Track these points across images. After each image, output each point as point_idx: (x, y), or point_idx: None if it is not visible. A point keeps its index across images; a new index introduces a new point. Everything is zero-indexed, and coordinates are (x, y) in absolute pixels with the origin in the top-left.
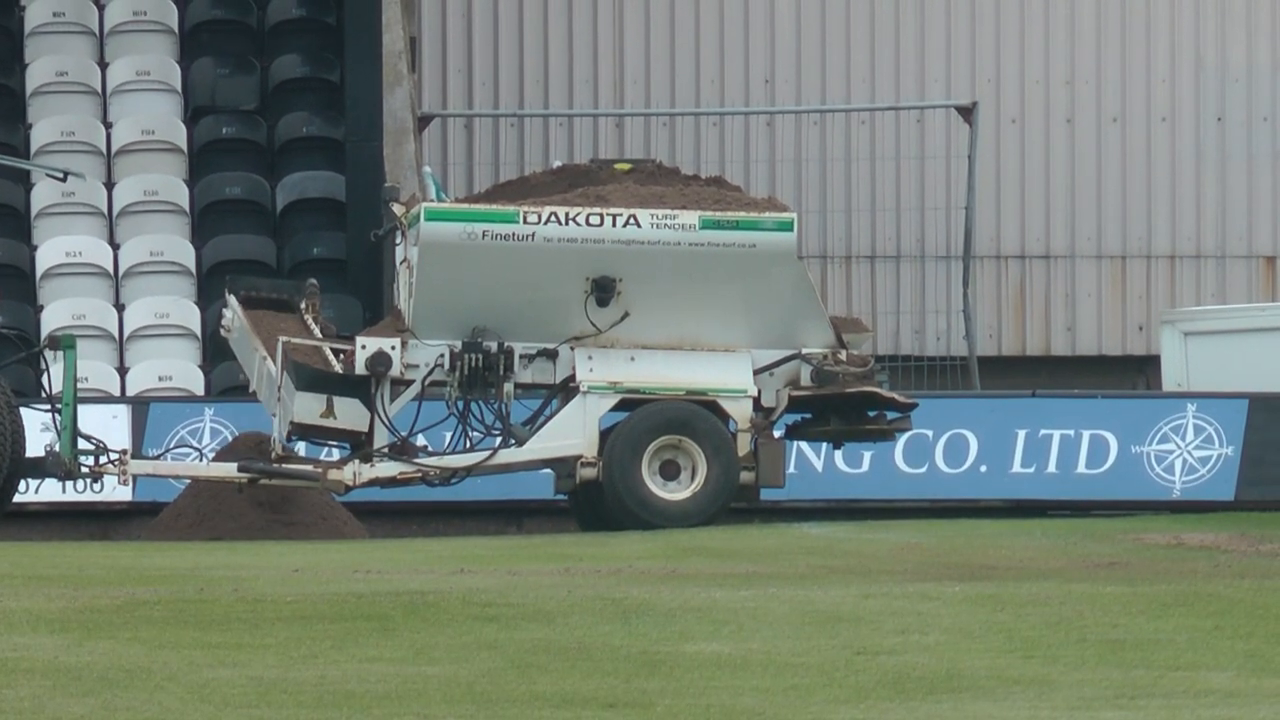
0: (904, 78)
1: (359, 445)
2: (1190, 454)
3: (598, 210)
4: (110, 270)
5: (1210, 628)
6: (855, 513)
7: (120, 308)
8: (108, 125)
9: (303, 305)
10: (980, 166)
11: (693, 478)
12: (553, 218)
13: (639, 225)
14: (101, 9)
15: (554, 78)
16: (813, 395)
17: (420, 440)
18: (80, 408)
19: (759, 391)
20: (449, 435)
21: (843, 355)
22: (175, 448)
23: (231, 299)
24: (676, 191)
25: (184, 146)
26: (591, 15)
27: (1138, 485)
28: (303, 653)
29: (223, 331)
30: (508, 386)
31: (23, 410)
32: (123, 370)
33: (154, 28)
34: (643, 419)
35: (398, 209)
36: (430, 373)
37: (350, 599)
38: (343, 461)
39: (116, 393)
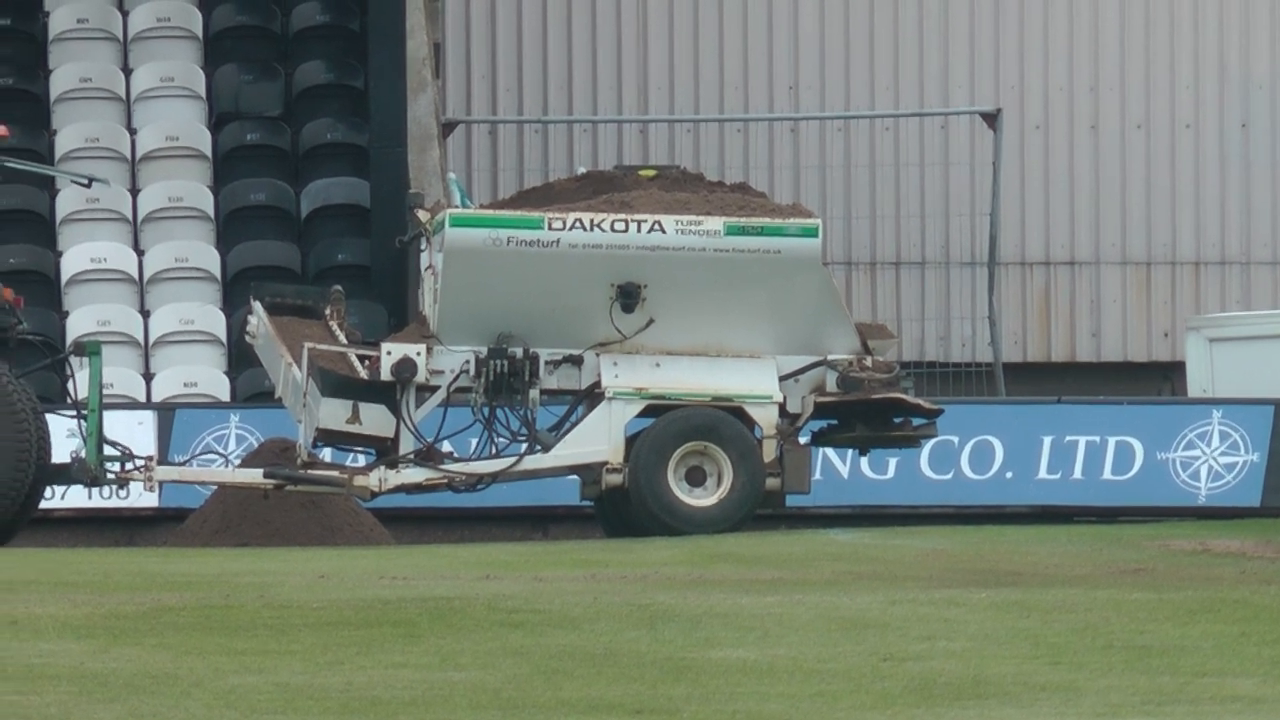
0: (928, 84)
1: (385, 451)
2: (1216, 460)
3: (622, 216)
4: (135, 276)
5: (1236, 634)
6: (881, 519)
7: (145, 314)
8: (132, 131)
9: (328, 311)
10: (1005, 173)
11: (718, 484)
12: (577, 224)
13: (664, 231)
14: (126, 15)
15: (578, 83)
16: (838, 401)
17: (446, 446)
18: (106, 414)
19: (784, 398)
20: (475, 441)
21: (868, 361)
22: (201, 454)
23: (256, 305)
24: (701, 198)
25: (208, 153)
26: (615, 21)
27: (1163, 491)
28: (329, 659)
29: (248, 338)
30: (533, 392)
31: (48, 417)
32: (148, 376)
33: (178, 34)
34: (668, 425)
35: (422, 215)
36: (456, 379)
37: (376, 605)
38: (368, 467)
39: (142, 399)
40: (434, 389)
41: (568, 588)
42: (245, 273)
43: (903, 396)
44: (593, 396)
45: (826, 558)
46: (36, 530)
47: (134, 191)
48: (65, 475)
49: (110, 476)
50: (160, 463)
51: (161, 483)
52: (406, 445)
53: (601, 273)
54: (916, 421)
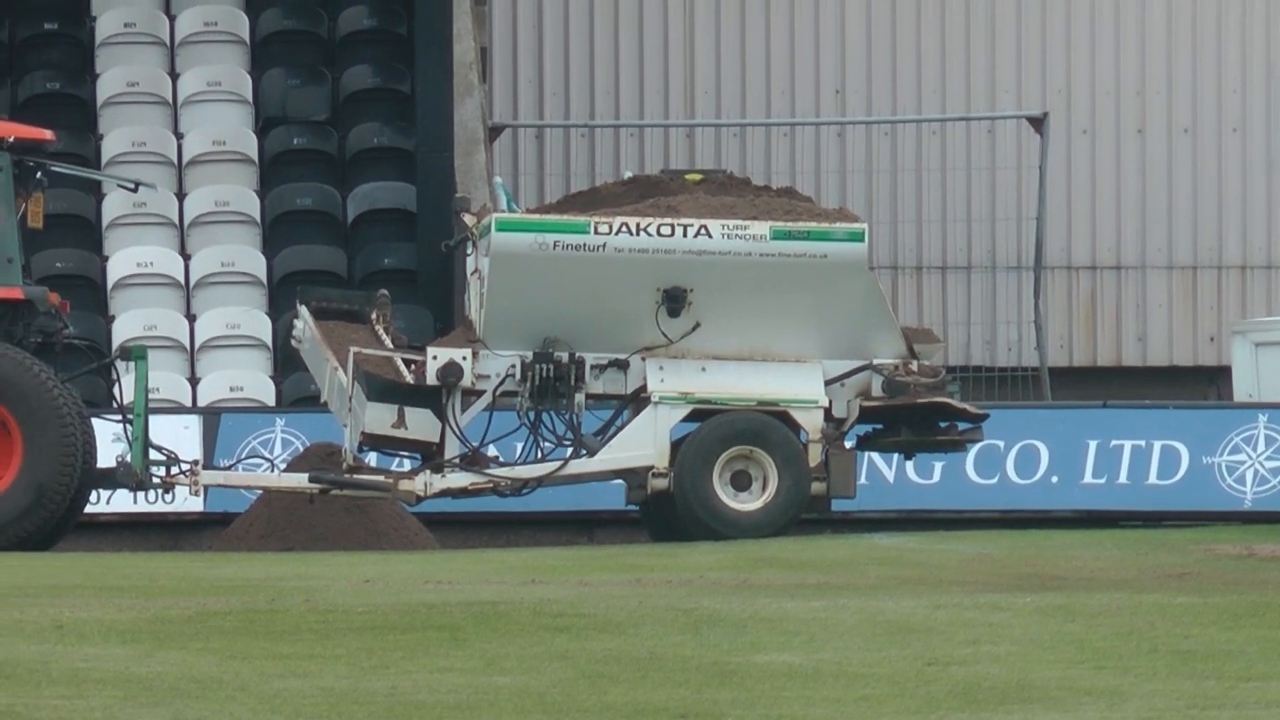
0: (975, 88)
1: (430, 456)
2: (1261, 464)
3: (669, 221)
4: (181, 281)
5: None
6: (926, 523)
7: (191, 318)
8: (179, 136)
9: (374, 316)
10: (1051, 177)
11: (764, 488)
12: (624, 228)
13: (710, 236)
14: (173, 20)
15: (625, 88)
16: (884, 406)
17: (491, 451)
18: (151, 418)
19: (830, 402)
20: (520, 446)
21: (914, 366)
22: (246, 458)
23: (303, 309)
24: (747, 202)
25: (255, 157)
26: (662, 25)
27: (1209, 496)
28: (374, 663)
29: (294, 342)
30: (579, 397)
31: (94, 421)
32: (194, 381)
33: (225, 38)
34: (714, 429)
35: (469, 219)
36: (501, 383)
37: (421, 609)
38: (414, 472)
39: (188, 403)
40: (480, 393)
41: (613, 592)
42: (291, 277)
43: (948, 401)
44: (638, 401)
45: (871, 562)
46: (82, 534)
47: (180, 196)
48: (111, 479)
49: (155, 481)
50: (205, 467)
51: (207, 487)
52: (452, 450)
53: (647, 277)
54: (962, 426)
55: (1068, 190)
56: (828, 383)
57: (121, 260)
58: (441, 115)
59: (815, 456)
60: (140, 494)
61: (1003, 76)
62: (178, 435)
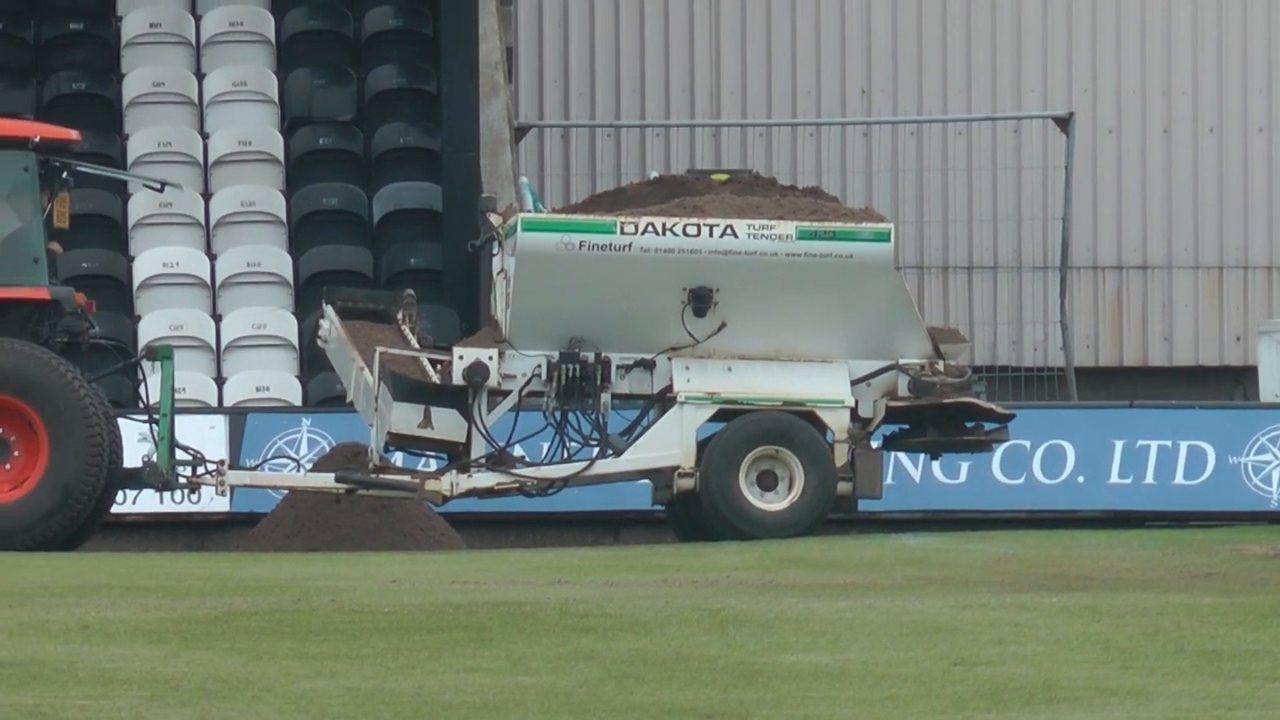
0: (1000, 88)
1: (456, 456)
2: None
3: (695, 221)
4: (207, 281)
5: None
6: (952, 523)
7: (217, 318)
8: (204, 136)
9: (400, 316)
10: (1077, 177)
11: (790, 488)
12: (650, 228)
13: (736, 236)
14: (198, 20)
15: (650, 88)
16: (910, 406)
17: (518, 451)
18: (177, 418)
19: (856, 402)
20: (546, 446)
21: (940, 366)
22: (272, 458)
23: (329, 309)
24: (773, 202)
25: (281, 157)
26: (688, 25)
27: (1235, 496)
28: (400, 663)
29: (320, 342)
30: (605, 397)
31: (120, 421)
32: (220, 381)
33: (251, 38)
34: (740, 429)
35: (494, 219)
36: (527, 383)
37: (448, 609)
38: (440, 472)
39: (214, 403)
40: (506, 393)
41: (639, 592)
42: (317, 277)
43: (974, 401)
44: (664, 401)
45: (898, 562)
46: (108, 534)
47: (206, 196)
48: (137, 479)
49: (181, 481)
50: (231, 467)
51: (233, 487)
52: (478, 450)
53: (673, 277)
54: (988, 426)
55: (1093, 190)
56: (854, 383)
57: (147, 260)
58: (467, 115)
59: (841, 456)
60: (166, 494)
61: (1028, 76)
62: (204, 435)
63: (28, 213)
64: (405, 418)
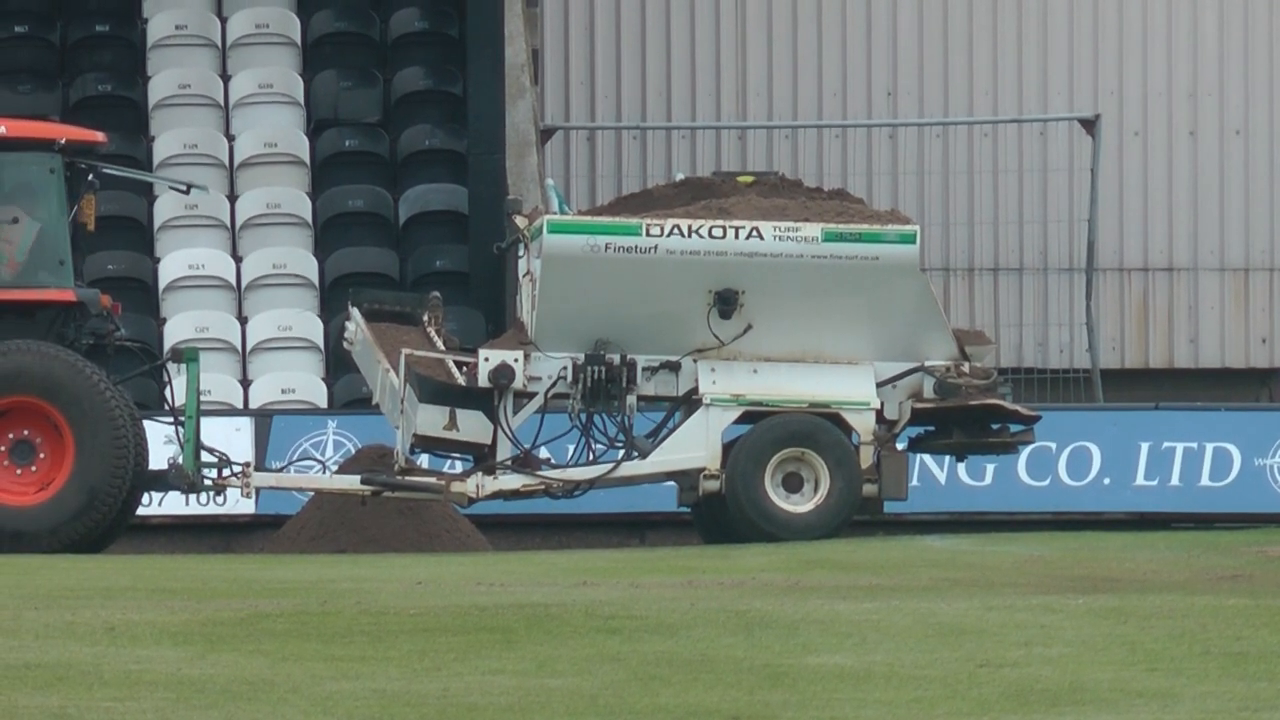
0: (1027, 90)
1: (482, 458)
2: None
3: (720, 223)
4: (233, 283)
5: None
6: (978, 525)
7: (243, 320)
8: (230, 138)
9: (425, 318)
10: (1103, 179)
11: (816, 490)
12: (675, 230)
13: (761, 238)
14: (224, 22)
15: (676, 90)
16: (936, 408)
17: (543, 453)
18: (203, 420)
19: (882, 404)
20: (572, 448)
21: (965, 368)
22: (298, 460)
23: (354, 311)
24: (799, 204)
25: (306, 159)
26: (714, 27)
27: (1261, 498)
28: (426, 665)
29: (345, 344)
30: (630, 399)
31: (145, 423)
32: (245, 383)
33: (276, 40)
34: (766, 431)
35: (520, 221)
36: (553, 385)
37: (473, 611)
38: (466, 474)
39: (239, 405)
40: (531, 395)
41: (665, 594)
42: (343, 279)
43: (1000, 402)
44: (690, 403)
45: (923, 564)
46: (134, 536)
47: (232, 198)
48: (163, 481)
49: (207, 483)
50: (257, 469)
51: (258, 489)
52: (504, 451)
53: (699, 279)
54: (1014, 428)
55: (1120, 192)
56: (879, 384)
57: (173, 262)
58: (493, 117)
59: (867, 458)
60: (192, 496)
61: (1055, 78)
62: (229, 437)
63: (54, 215)
64: (431, 420)
